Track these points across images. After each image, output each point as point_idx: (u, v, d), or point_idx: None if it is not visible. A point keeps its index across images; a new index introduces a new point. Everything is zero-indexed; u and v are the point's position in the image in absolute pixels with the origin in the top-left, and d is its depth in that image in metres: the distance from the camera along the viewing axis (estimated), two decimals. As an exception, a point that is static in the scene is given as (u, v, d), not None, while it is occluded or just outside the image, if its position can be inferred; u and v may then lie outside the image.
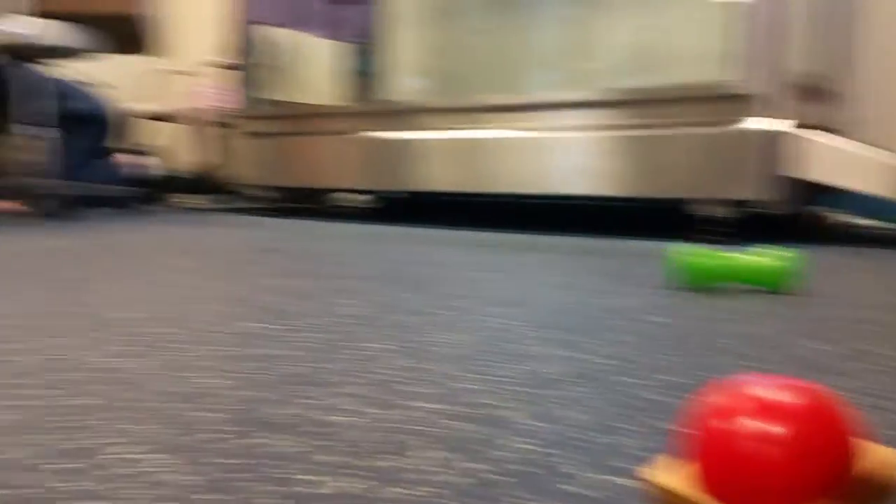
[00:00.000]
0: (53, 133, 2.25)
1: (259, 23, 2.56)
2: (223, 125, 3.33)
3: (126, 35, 2.26)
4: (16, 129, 2.26)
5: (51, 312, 0.86)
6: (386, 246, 1.70)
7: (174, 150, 3.40)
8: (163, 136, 3.53)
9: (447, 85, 2.64)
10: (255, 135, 2.65)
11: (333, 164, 2.45)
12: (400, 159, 2.32)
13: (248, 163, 2.68)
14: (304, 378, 0.61)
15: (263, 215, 2.59)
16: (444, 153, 2.24)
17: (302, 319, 0.84)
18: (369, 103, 2.69)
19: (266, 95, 2.73)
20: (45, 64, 2.24)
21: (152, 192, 2.73)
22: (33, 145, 2.16)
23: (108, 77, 2.72)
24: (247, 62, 2.71)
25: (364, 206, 3.05)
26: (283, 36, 2.77)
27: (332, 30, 2.60)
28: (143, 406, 0.53)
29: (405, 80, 2.73)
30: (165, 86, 3.92)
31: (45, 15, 2.05)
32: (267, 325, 0.80)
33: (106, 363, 0.64)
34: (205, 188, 3.04)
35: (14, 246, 1.56)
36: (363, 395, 0.56)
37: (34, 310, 0.87)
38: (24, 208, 2.49)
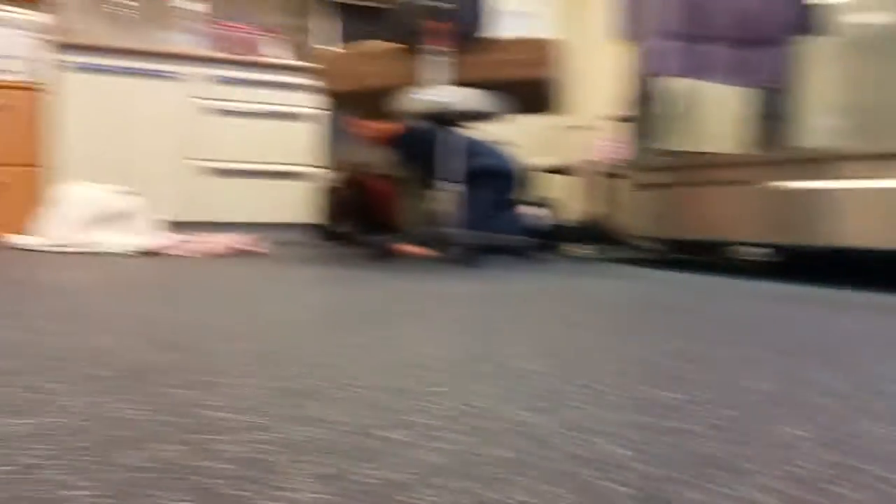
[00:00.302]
0: (466, 188, 2.51)
1: (657, 75, 2.56)
2: (615, 176, 3.40)
3: (534, 97, 2.44)
4: (438, 184, 2.58)
5: (465, 357, 0.94)
6: (791, 308, 1.54)
7: (568, 202, 3.57)
8: (558, 188, 3.74)
9: (874, 127, 2.34)
10: (646, 186, 2.64)
11: (730, 216, 2.32)
12: (811, 211, 2.10)
13: (637, 214, 2.68)
14: (713, 460, 0.56)
15: (651, 267, 2.57)
16: (868, 204, 1.98)
17: (704, 390, 0.79)
18: (777, 150, 2.50)
19: (659, 146, 2.72)
20: (462, 126, 2.53)
21: (548, 242, 2.89)
22: (451, 199, 2.44)
23: (513, 134, 2.97)
24: (640, 114, 2.73)
25: (761, 260, 2.83)
26: (680, 85, 2.74)
27: (737, 75, 2.48)
28: (551, 466, 0.54)
29: (822, 123, 2.49)
30: (563, 140, 4.16)
31: (462, 83, 2.31)
32: (667, 393, 0.77)
33: (514, 415, 0.67)
34: (595, 238, 3.13)
35: (429, 289, 1.77)
36: (783, 490, 0.50)
37: (451, 354, 0.96)
38: (436, 254, 2.82)
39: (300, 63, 3.61)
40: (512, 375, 0.83)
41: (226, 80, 3.46)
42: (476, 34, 2.29)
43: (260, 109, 3.51)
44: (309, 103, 3.57)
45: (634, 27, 2.75)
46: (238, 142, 3.49)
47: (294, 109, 3.57)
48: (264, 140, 3.52)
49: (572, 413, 0.68)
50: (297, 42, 3.96)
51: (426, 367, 0.87)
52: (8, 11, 3.17)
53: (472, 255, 2.33)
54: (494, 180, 2.85)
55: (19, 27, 3.18)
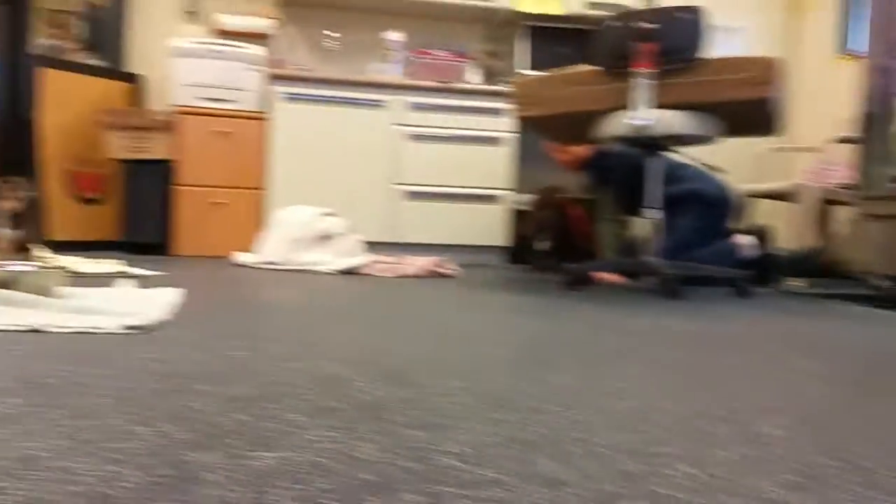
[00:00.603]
0: (668, 214, 2.40)
1: (891, 93, 2.31)
2: (836, 204, 3.11)
3: (753, 119, 2.28)
4: (638, 210, 2.49)
5: (692, 412, 0.87)
6: None
7: (781, 230, 3.31)
8: (771, 215, 3.48)
9: None
10: (877, 215, 2.39)
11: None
12: None
13: (864, 246, 2.43)
14: None
15: (879, 307, 2.30)
16: None
17: None
18: None
19: (892, 171, 2.44)
20: (669, 150, 2.42)
21: (758, 274, 2.68)
22: (652, 226, 2.34)
23: (723, 158, 2.80)
24: (870, 136, 2.48)
25: None
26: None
27: None
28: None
29: None
30: (777, 164, 3.88)
31: (671, 106, 2.21)
32: (949, 475, 0.67)
33: (769, 492, 0.61)
34: (811, 271, 2.86)
35: (634, 324, 1.69)
36: None
37: (676, 406, 0.90)
38: (635, 284, 2.71)
39: (495, 88, 3.65)
40: (752, 438, 0.76)
41: (424, 107, 3.58)
42: (686, 55, 2.19)
43: (455, 134, 3.59)
44: (503, 127, 3.60)
45: (863, 42, 2.51)
46: (434, 165, 3.59)
47: (488, 134, 3.61)
48: (459, 164, 3.60)
49: (838, 496, 0.60)
50: (491, 67, 4.02)
51: (652, 420, 0.82)
52: (237, 47, 3.48)
53: (674, 286, 2.21)
54: (700, 206, 2.70)
55: (247, 61, 3.48)
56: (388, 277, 2.75)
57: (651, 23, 2.18)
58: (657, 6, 2.25)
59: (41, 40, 3.65)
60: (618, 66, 2.26)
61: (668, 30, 2.19)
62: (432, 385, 0.95)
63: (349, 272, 2.85)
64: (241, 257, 3.06)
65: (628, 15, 2.28)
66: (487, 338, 1.40)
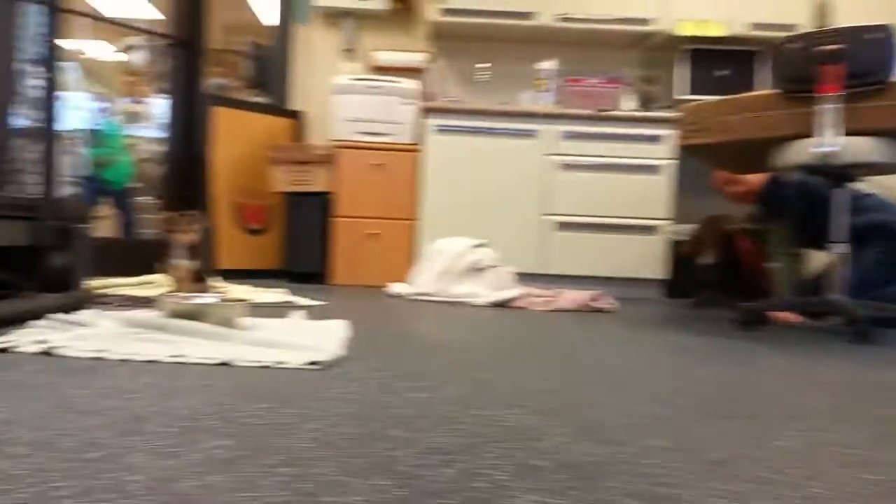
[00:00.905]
0: (853, 248, 2.20)
1: None
2: None
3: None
4: (818, 244, 2.30)
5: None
6: None
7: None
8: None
9: None
10: None
11: None
12: None
13: None
14: None
15: None
16: None
17: None
18: None
19: None
20: (855, 179, 2.22)
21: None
22: (835, 261, 2.15)
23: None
24: None
25: None
26: None
27: None
28: None
29: None
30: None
31: (859, 132, 2.03)
32: None
33: None
34: None
35: (836, 374, 1.54)
36: None
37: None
38: (817, 324, 2.50)
39: (651, 114, 3.53)
40: None
41: (577, 135, 3.51)
42: (877, 77, 2.01)
43: (609, 162, 3.49)
44: (661, 155, 3.47)
45: None
46: (587, 195, 3.50)
47: (645, 162, 3.48)
48: (613, 193, 3.49)
49: None
50: (647, 92, 3.90)
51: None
52: (392, 82, 3.58)
53: (865, 328, 2.01)
54: (886, 240, 2.46)
55: (402, 95, 3.56)
56: (543, 311, 2.69)
57: (837, 43, 2.02)
58: (842, 26, 2.08)
59: (212, 80, 3.91)
60: (798, 89, 2.10)
61: (856, 51, 2.02)
62: (634, 443, 0.88)
63: (501, 305, 2.81)
64: (395, 288, 3.10)
65: (810, 36, 2.12)
66: (673, 386, 1.30)
